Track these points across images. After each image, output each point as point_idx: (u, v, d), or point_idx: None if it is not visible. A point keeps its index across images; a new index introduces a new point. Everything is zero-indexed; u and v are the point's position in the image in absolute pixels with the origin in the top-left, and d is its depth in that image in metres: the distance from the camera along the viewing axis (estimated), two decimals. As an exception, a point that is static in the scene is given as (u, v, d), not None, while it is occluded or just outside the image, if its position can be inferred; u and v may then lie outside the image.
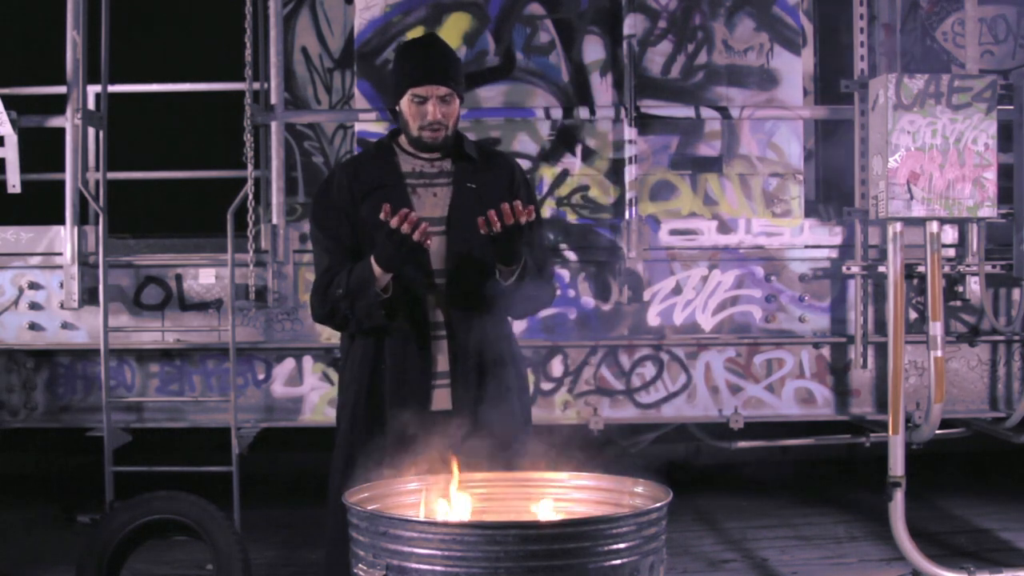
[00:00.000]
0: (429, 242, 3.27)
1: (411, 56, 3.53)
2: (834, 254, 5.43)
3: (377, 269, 3.32)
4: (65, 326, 5.40)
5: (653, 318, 5.41)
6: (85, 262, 5.34)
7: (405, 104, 3.49)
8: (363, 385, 3.50)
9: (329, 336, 5.27)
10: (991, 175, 4.84)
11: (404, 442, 3.31)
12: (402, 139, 3.58)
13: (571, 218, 5.48)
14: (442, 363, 3.48)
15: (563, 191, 5.54)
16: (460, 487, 2.99)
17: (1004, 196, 5.11)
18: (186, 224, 6.66)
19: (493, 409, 3.44)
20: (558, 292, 5.36)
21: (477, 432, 3.36)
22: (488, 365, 3.49)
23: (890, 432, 5.02)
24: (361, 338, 3.51)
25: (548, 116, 5.46)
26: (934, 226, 4.96)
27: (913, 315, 5.39)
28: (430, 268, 3.47)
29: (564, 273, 5.38)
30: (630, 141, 5.36)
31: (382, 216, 3.22)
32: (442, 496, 2.97)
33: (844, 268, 5.36)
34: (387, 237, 3.24)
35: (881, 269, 5.25)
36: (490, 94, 5.57)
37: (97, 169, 5.80)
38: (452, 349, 3.47)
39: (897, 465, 5.02)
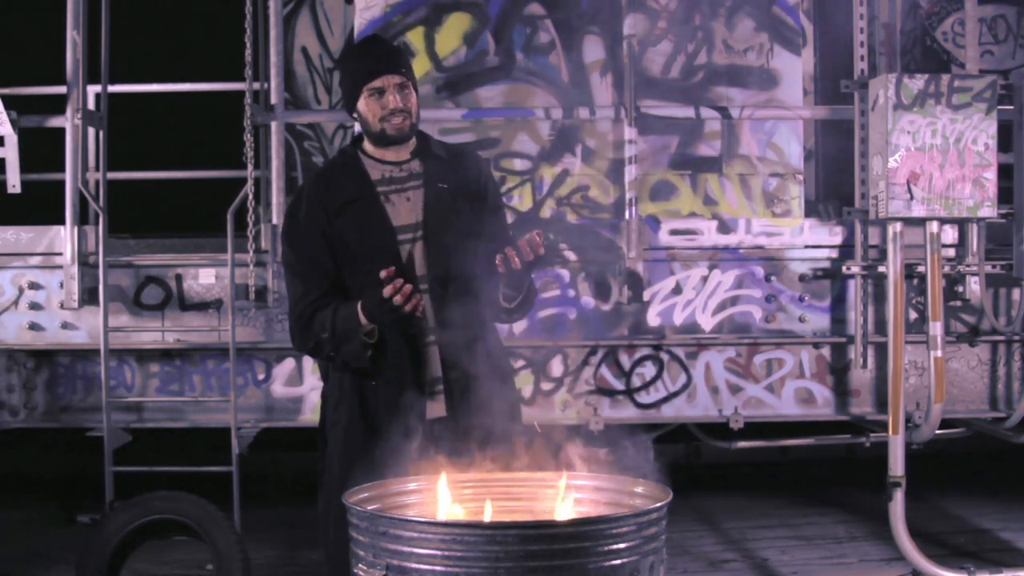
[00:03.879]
0: (420, 311, 3.23)
1: (358, 56, 3.53)
2: (834, 254, 5.43)
3: (363, 318, 3.30)
4: (65, 326, 5.40)
5: (653, 318, 5.41)
6: (85, 262, 5.34)
7: (363, 105, 3.45)
8: (354, 403, 3.47)
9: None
10: (991, 175, 4.84)
11: (403, 455, 3.31)
12: (367, 146, 3.53)
13: (571, 218, 5.48)
14: (433, 370, 3.45)
15: (563, 191, 5.54)
16: (461, 488, 2.99)
17: (1004, 196, 5.11)
18: (186, 224, 6.66)
19: (488, 410, 3.43)
20: (558, 292, 5.37)
21: (474, 435, 3.35)
22: (478, 366, 3.47)
23: (890, 432, 5.03)
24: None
25: (548, 116, 5.46)
26: (934, 226, 4.96)
27: (913, 315, 5.39)
28: (413, 275, 3.43)
29: (564, 273, 5.38)
30: (630, 141, 5.35)
31: (382, 275, 3.19)
32: (448, 498, 2.98)
33: (844, 268, 5.36)
34: (378, 305, 3.22)
35: (881, 269, 5.25)
36: (490, 94, 5.57)
37: (97, 169, 5.80)
38: (442, 354, 3.45)
39: (897, 465, 5.03)
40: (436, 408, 3.45)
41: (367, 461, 3.33)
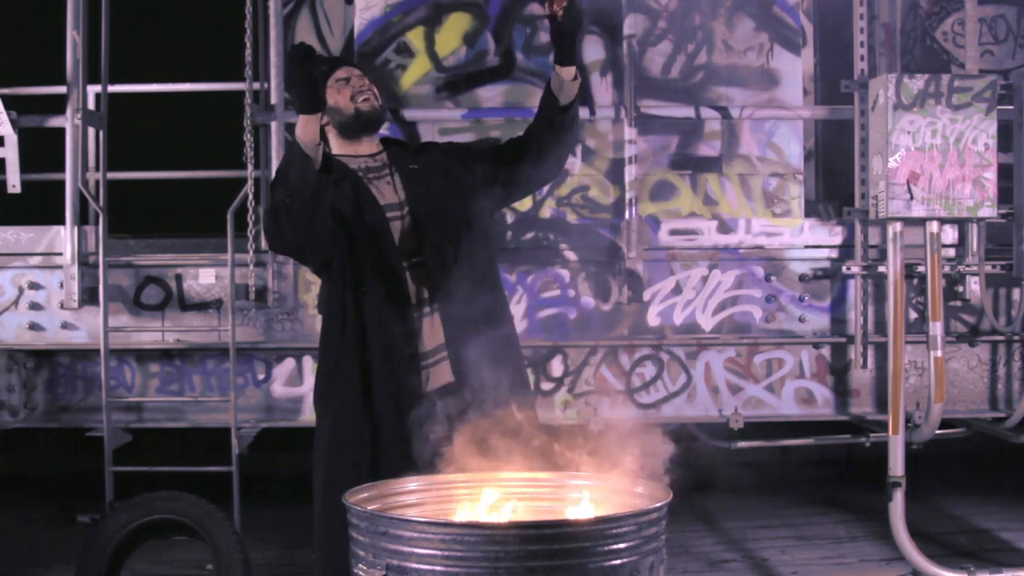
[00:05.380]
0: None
1: (320, 64, 3.66)
2: (834, 254, 5.43)
3: (301, 123, 3.32)
4: (65, 326, 5.40)
5: (653, 318, 5.41)
6: (85, 262, 5.34)
7: (332, 96, 3.60)
8: (354, 380, 3.49)
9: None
10: (991, 175, 4.84)
11: (400, 438, 3.34)
12: (337, 146, 3.65)
13: (571, 218, 5.48)
14: (437, 337, 3.50)
15: (563, 191, 5.53)
16: (461, 488, 3.00)
17: (1004, 196, 5.11)
18: (186, 224, 6.65)
19: (495, 375, 3.47)
20: (558, 292, 5.37)
21: (482, 401, 3.39)
22: (484, 330, 3.50)
23: (890, 432, 5.03)
24: (343, 331, 3.52)
25: (548, 116, 5.44)
26: (934, 226, 4.96)
27: (913, 315, 5.39)
28: (407, 247, 3.51)
29: (564, 273, 5.38)
30: (630, 141, 5.35)
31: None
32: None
33: (844, 268, 5.36)
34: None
35: (881, 269, 5.25)
36: (490, 94, 5.56)
37: (97, 169, 5.79)
38: (445, 321, 3.49)
39: (897, 465, 5.03)
40: (442, 375, 3.49)
41: (358, 442, 3.37)
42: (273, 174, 3.73)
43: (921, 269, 5.19)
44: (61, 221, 5.33)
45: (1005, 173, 5.18)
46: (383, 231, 3.51)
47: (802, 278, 5.44)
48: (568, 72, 3.59)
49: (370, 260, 3.49)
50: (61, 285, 5.33)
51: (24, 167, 5.29)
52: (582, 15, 3.49)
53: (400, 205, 3.56)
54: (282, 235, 3.41)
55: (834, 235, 5.45)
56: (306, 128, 3.31)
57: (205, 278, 5.41)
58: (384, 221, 3.52)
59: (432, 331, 3.50)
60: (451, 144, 3.84)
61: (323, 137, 3.64)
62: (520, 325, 5.26)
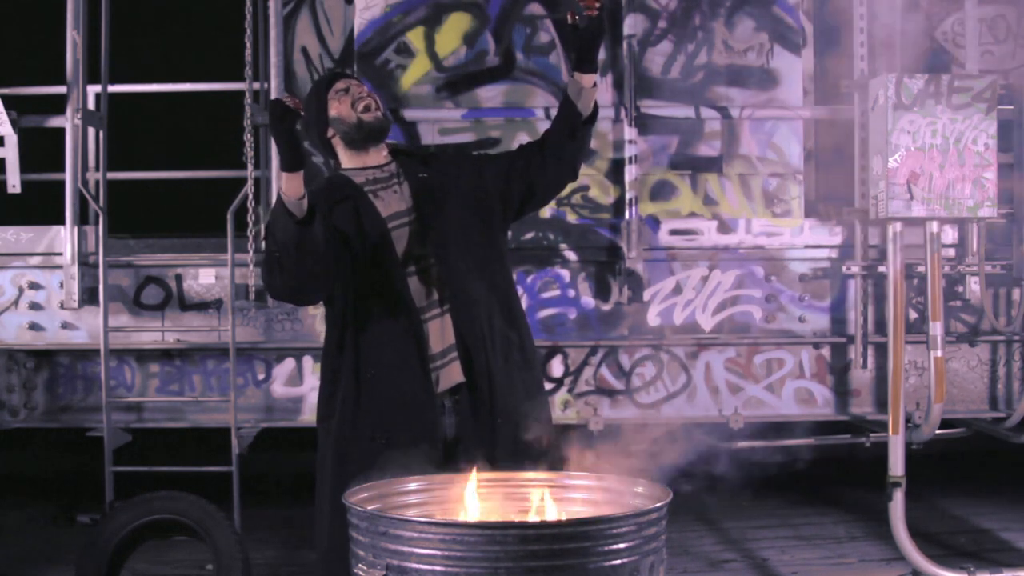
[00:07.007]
0: (301, 110, 3.33)
1: (320, 80, 3.74)
2: (834, 254, 5.43)
3: (283, 179, 3.31)
4: (65, 326, 5.40)
5: (653, 318, 5.41)
6: (85, 262, 5.34)
7: (335, 108, 3.61)
8: (350, 395, 3.48)
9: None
10: (991, 175, 4.85)
11: (406, 445, 3.34)
12: (346, 159, 3.65)
13: (571, 218, 5.48)
14: (447, 338, 3.49)
15: (563, 191, 5.52)
16: (461, 488, 3.00)
17: (1004, 196, 5.11)
18: (186, 224, 6.65)
19: (510, 373, 3.48)
20: (558, 292, 5.37)
21: (495, 403, 3.41)
22: (496, 329, 3.51)
23: (890, 432, 5.03)
24: (341, 350, 3.51)
25: (548, 116, 5.45)
26: (934, 226, 4.96)
27: (913, 315, 5.39)
28: (415, 252, 3.50)
29: (564, 273, 5.38)
30: (630, 141, 5.36)
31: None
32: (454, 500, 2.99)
33: (844, 268, 5.36)
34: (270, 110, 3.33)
35: (881, 269, 5.25)
36: (490, 94, 5.57)
37: (97, 169, 5.80)
38: (455, 321, 3.48)
39: (897, 465, 5.03)
40: (452, 375, 3.49)
41: (363, 455, 3.36)
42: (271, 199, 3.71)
43: (921, 269, 5.19)
44: (61, 221, 5.33)
45: (1005, 173, 5.18)
46: (383, 242, 3.49)
47: (802, 278, 5.44)
48: (588, 79, 3.51)
49: (370, 273, 3.48)
50: (61, 285, 5.33)
51: (24, 167, 5.29)
52: (604, 21, 3.47)
53: (408, 212, 3.54)
54: (278, 284, 3.44)
55: (834, 235, 5.45)
56: (289, 184, 3.29)
57: (205, 278, 5.41)
58: (385, 232, 3.50)
59: (442, 333, 3.49)
60: (464, 152, 3.82)
61: (331, 151, 3.66)
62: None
